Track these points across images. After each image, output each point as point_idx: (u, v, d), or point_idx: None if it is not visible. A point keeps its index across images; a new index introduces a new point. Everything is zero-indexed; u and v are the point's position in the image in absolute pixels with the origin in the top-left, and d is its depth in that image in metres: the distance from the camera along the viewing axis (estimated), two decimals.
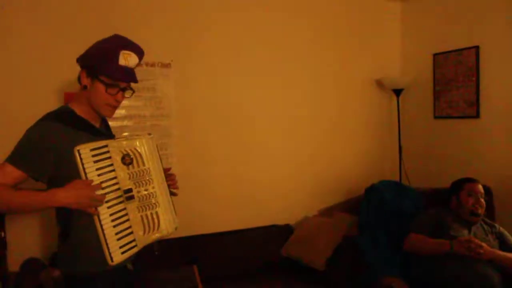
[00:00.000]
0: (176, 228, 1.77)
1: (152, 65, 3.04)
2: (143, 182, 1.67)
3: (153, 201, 1.68)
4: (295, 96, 3.58)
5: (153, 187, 1.68)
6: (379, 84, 3.90)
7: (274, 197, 3.49)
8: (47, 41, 2.75)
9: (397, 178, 3.82)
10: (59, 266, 1.72)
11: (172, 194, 1.86)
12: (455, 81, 3.50)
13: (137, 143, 1.67)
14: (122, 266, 1.69)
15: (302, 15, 3.57)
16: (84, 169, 1.55)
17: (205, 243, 3.12)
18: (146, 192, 1.67)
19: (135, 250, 1.66)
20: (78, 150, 1.55)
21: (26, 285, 2.35)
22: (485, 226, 2.76)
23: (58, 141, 1.58)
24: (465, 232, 2.67)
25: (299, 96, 3.60)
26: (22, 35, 2.72)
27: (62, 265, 1.70)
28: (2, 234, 2.48)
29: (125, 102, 2.90)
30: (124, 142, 1.66)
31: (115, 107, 1.72)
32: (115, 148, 1.63)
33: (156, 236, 1.69)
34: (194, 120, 3.21)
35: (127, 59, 1.66)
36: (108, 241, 1.59)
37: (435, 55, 3.66)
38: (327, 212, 3.61)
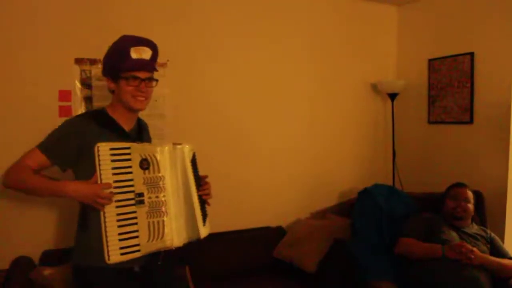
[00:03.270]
0: (198, 238, 1.82)
1: None
2: (156, 188, 1.68)
3: (163, 209, 1.68)
4: (291, 100, 3.58)
5: (164, 196, 1.69)
6: (374, 88, 3.92)
7: (267, 199, 3.49)
8: (43, 40, 2.73)
9: (390, 182, 3.84)
10: (71, 257, 1.80)
11: (205, 203, 1.90)
12: (449, 87, 3.52)
13: (158, 149, 1.70)
14: (128, 267, 1.73)
15: (299, 19, 3.58)
16: (99, 165, 1.63)
17: (197, 244, 3.09)
18: (156, 199, 1.68)
19: (137, 254, 1.67)
20: (98, 147, 1.63)
21: (15, 283, 2.33)
22: (477, 231, 2.77)
23: (85, 136, 1.69)
24: (456, 236, 2.68)
25: (294, 100, 3.60)
26: (20, 33, 2.69)
27: (74, 255, 1.78)
28: None
29: None
30: (146, 147, 1.72)
31: (145, 98, 1.81)
32: (136, 151, 1.68)
33: (159, 245, 1.68)
34: (188, 121, 3.20)
35: (139, 52, 1.76)
36: (109, 239, 1.62)
37: (430, 60, 3.68)
38: (320, 214, 3.62)
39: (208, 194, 1.91)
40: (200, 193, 1.84)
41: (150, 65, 1.80)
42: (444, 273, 2.50)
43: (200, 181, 1.87)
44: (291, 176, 3.60)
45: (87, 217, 1.72)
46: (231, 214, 3.35)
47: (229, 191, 3.35)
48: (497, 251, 2.69)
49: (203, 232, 1.84)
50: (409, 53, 3.93)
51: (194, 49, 3.19)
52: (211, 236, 3.15)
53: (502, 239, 3.01)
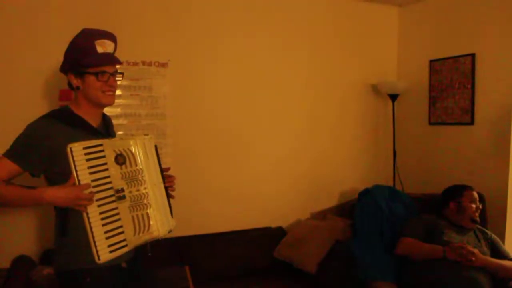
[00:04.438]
0: (170, 231, 1.77)
1: (149, 64, 3.04)
2: (136, 182, 1.67)
3: (145, 201, 1.67)
4: (292, 100, 3.58)
5: (145, 188, 1.68)
6: (375, 89, 3.91)
7: (267, 200, 3.49)
8: (43, 39, 2.74)
9: (390, 183, 3.83)
10: (53, 263, 1.74)
11: (169, 196, 1.86)
12: (450, 88, 3.52)
13: (131, 143, 1.67)
14: (115, 264, 1.70)
15: (300, 20, 3.58)
16: (75, 166, 1.59)
17: (197, 244, 3.11)
18: (138, 193, 1.67)
19: (125, 249, 1.68)
20: (71, 148, 1.58)
21: (16, 282, 2.33)
22: (478, 233, 2.77)
23: (54, 138, 1.62)
24: (458, 238, 2.68)
25: (295, 100, 3.60)
26: (18, 32, 2.70)
27: (57, 261, 1.72)
28: None
29: (121, 101, 2.95)
30: (118, 142, 1.69)
31: (113, 92, 1.78)
32: (109, 147, 1.66)
33: (146, 237, 1.69)
34: (189, 121, 3.20)
35: (103, 45, 1.72)
36: (96, 240, 1.61)
37: (431, 61, 3.68)
38: (320, 215, 3.62)
39: (171, 187, 1.89)
40: (166, 184, 1.83)
41: (116, 58, 1.76)
42: (445, 274, 2.49)
43: (163, 173, 1.85)
44: (292, 177, 3.60)
45: (67, 221, 1.67)
46: (232, 215, 3.36)
47: (229, 192, 3.36)
48: (498, 252, 2.69)
49: (173, 223, 1.82)
50: (410, 54, 3.93)
51: (194, 49, 3.19)
52: (211, 236, 3.20)
53: (503, 240, 3.01)
